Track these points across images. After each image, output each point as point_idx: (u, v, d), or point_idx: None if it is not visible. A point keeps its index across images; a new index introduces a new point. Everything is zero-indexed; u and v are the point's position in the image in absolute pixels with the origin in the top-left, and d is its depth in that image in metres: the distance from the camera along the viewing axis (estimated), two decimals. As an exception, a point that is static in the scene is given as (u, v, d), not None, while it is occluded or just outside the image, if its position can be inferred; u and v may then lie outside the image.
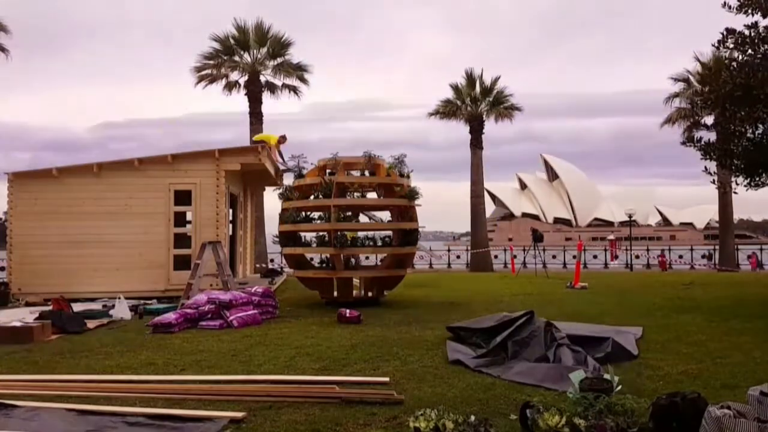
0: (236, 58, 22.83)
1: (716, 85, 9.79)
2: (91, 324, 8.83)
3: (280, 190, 12.03)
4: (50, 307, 9.41)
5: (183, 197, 12.26)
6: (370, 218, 11.74)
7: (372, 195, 11.72)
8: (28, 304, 11.13)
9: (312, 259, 12.11)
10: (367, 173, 11.53)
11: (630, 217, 31.08)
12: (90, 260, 11.78)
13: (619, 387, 4.44)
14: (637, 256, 27.75)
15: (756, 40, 9.40)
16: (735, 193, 11.29)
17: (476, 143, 25.92)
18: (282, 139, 14.50)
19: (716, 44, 9.83)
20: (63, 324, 8.30)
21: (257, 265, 18.52)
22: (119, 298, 10.15)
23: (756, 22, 9.49)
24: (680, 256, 28.31)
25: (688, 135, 11.85)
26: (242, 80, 22.92)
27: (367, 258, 11.83)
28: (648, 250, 28.89)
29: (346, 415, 4.38)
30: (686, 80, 24.41)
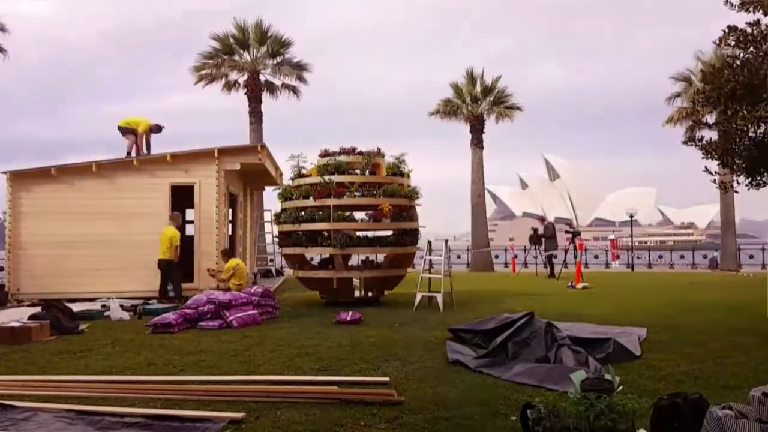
0: (236, 57, 22.79)
1: (718, 84, 9.73)
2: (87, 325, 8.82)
3: (280, 190, 12.01)
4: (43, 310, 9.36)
5: (182, 197, 12.23)
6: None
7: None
8: (33, 305, 11.07)
9: (312, 259, 12.09)
10: (367, 173, 11.51)
11: (631, 217, 30.92)
12: (89, 260, 11.72)
13: (620, 387, 4.41)
14: (638, 257, 27.68)
15: (758, 38, 9.34)
16: (736, 192, 11.22)
17: (477, 143, 25.85)
18: (155, 128, 13.32)
19: (717, 41, 9.78)
20: (60, 324, 8.27)
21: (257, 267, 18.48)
22: (112, 299, 10.13)
23: (758, 20, 9.43)
24: (681, 257, 28.22)
25: (689, 134, 11.80)
26: (242, 80, 22.89)
27: (367, 258, 11.79)
28: (650, 250, 28.82)
29: (347, 415, 4.35)
30: (687, 79, 24.31)
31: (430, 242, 11.70)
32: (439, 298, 10.48)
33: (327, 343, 7.28)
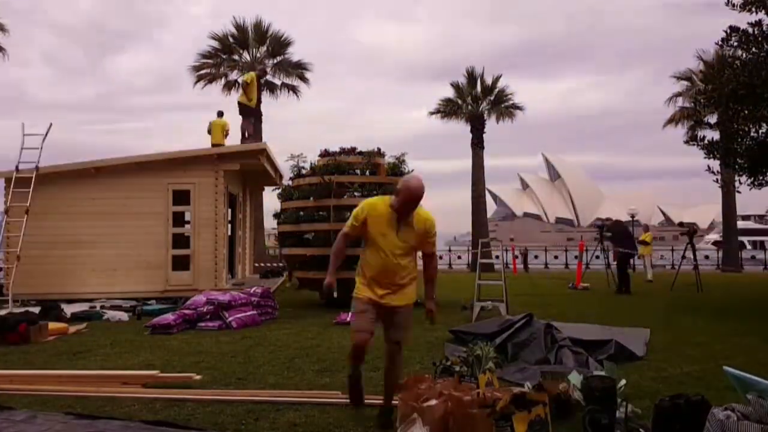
0: (235, 57, 22.74)
1: (719, 84, 9.71)
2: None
3: (279, 190, 11.98)
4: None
5: (182, 197, 12.20)
6: None
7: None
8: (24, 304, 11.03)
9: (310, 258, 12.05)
10: (367, 173, 11.48)
11: (632, 217, 30.86)
12: (88, 261, 11.68)
13: (623, 382, 4.40)
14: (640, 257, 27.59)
15: (759, 39, 9.32)
16: (738, 192, 11.19)
17: (477, 143, 25.83)
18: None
19: (720, 42, 9.75)
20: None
21: (256, 265, 18.46)
22: (105, 309, 10.15)
23: (760, 20, 9.41)
24: (683, 257, 28.11)
25: (691, 134, 11.74)
26: (241, 80, 22.81)
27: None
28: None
29: (347, 416, 4.32)
30: (689, 79, 24.28)
31: (480, 242, 11.30)
32: (502, 307, 9.42)
33: (327, 344, 7.26)
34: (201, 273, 11.87)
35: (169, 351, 6.92)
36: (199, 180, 12.12)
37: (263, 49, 22.67)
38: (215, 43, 22.54)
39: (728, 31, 9.54)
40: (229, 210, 14.28)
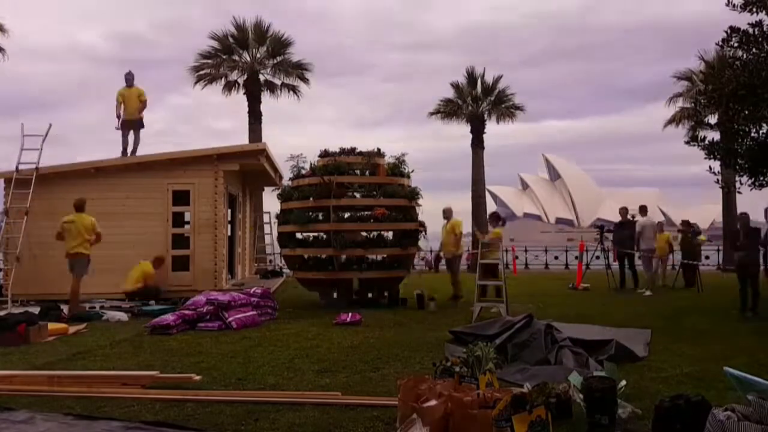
0: (235, 57, 22.68)
1: (719, 84, 9.71)
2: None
3: (279, 191, 11.97)
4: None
5: (181, 198, 12.20)
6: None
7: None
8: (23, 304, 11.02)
9: (309, 258, 12.04)
10: (367, 173, 11.47)
11: (632, 217, 30.73)
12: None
13: (624, 382, 4.40)
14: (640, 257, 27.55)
15: (760, 39, 9.32)
16: (739, 192, 11.17)
17: (477, 143, 25.80)
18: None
19: (720, 43, 9.75)
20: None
21: (256, 266, 18.45)
22: (105, 310, 10.14)
23: (760, 21, 9.41)
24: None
25: (692, 134, 11.71)
26: (241, 80, 22.79)
27: (367, 258, 11.73)
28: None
29: (348, 417, 4.31)
30: (689, 79, 24.22)
31: (481, 243, 11.03)
32: (502, 308, 9.26)
33: (326, 344, 7.25)
34: (201, 273, 11.87)
35: (168, 352, 6.91)
36: (198, 180, 12.12)
37: (263, 49, 22.61)
38: (215, 43, 22.45)
39: (728, 31, 9.53)
40: (229, 210, 14.27)
